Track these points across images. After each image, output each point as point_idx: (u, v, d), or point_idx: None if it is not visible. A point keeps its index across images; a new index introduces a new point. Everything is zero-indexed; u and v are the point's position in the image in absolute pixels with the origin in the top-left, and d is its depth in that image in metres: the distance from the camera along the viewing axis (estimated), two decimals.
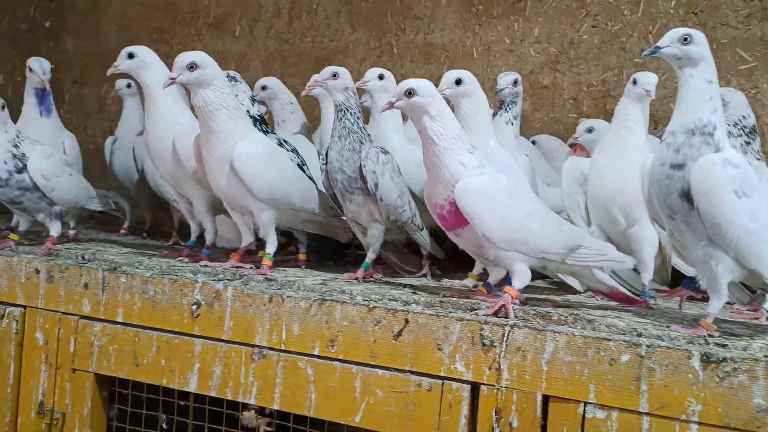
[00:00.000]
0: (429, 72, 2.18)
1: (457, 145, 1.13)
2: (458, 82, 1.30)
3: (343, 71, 1.36)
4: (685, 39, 0.99)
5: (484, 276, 1.38)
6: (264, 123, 1.53)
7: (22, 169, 1.46)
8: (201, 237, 1.56)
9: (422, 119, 1.13)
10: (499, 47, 2.11)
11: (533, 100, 2.07)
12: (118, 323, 1.30)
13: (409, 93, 1.12)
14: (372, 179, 1.31)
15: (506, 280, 1.19)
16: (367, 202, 1.35)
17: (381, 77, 1.49)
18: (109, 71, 1.43)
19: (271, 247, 1.38)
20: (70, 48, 2.77)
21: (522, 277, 1.13)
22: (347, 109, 1.33)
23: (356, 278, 1.34)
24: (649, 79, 1.30)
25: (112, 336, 1.30)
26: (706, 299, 1.07)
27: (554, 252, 1.13)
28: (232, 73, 1.54)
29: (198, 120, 1.35)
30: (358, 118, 1.34)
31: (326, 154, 1.39)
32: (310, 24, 2.37)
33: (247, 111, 1.46)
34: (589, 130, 1.48)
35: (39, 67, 1.73)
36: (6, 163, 1.46)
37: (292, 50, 2.41)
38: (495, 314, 1.08)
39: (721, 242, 0.98)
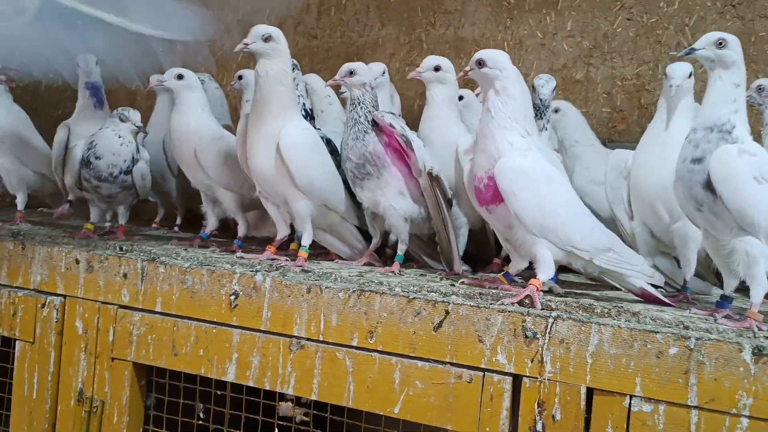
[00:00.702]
0: (459, 67, 2.15)
1: (511, 126, 1.14)
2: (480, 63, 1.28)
3: (360, 67, 1.38)
4: (720, 43, 1.03)
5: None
6: (311, 118, 1.54)
7: (129, 171, 1.57)
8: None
9: (488, 91, 1.16)
10: (531, 41, 2.09)
11: (566, 95, 2.04)
12: (157, 313, 1.31)
13: (480, 63, 1.16)
14: (396, 123, 1.34)
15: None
16: (381, 180, 1.35)
17: (437, 68, 1.51)
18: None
19: (306, 239, 1.38)
20: None
21: (547, 269, 1.12)
22: (360, 103, 1.37)
23: (392, 271, 1.34)
24: (674, 73, 1.27)
25: (151, 325, 1.31)
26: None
27: (583, 248, 1.13)
28: (293, 61, 1.55)
29: (254, 95, 1.37)
30: (368, 111, 1.37)
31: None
32: (339, 19, 2.37)
33: (303, 103, 1.50)
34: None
35: (84, 64, 1.81)
36: (125, 162, 1.55)
37: (321, 46, 2.41)
38: (520, 304, 1.07)
39: (749, 228, 1.00)
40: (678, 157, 1.07)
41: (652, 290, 1.18)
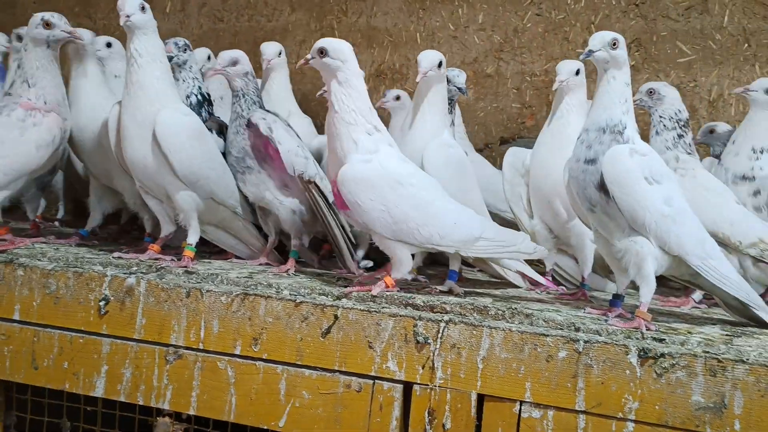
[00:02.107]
0: (371, 57, 2.10)
1: (356, 120, 1.10)
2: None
3: (242, 56, 1.32)
4: (614, 43, 1.03)
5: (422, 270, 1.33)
6: (209, 103, 1.42)
7: None
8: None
9: (331, 83, 1.11)
10: (443, 33, 2.05)
11: (477, 89, 2.02)
12: (15, 321, 1.16)
13: (321, 52, 1.09)
14: (264, 125, 1.27)
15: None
16: (263, 174, 1.29)
17: (398, 98, 1.60)
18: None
19: (192, 236, 1.27)
20: None
21: (401, 266, 1.11)
22: (244, 95, 1.31)
23: (287, 270, 1.25)
24: (560, 68, 1.28)
25: (8, 336, 1.16)
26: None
27: (445, 244, 1.11)
28: (183, 41, 1.41)
29: (126, 76, 1.23)
30: (252, 102, 1.32)
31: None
32: (246, 2, 2.25)
33: (198, 86, 1.39)
34: None
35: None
36: None
37: (227, 30, 2.27)
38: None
39: (640, 228, 1.00)
40: (570, 158, 1.06)
41: (530, 271, 1.18)
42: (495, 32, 2.00)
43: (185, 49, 1.39)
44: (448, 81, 1.38)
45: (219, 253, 1.42)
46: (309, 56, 1.11)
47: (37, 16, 1.29)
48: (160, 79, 1.22)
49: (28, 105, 1.28)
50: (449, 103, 1.39)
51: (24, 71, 1.30)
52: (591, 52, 1.03)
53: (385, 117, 1.56)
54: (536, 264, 1.42)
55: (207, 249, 1.40)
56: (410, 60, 2.08)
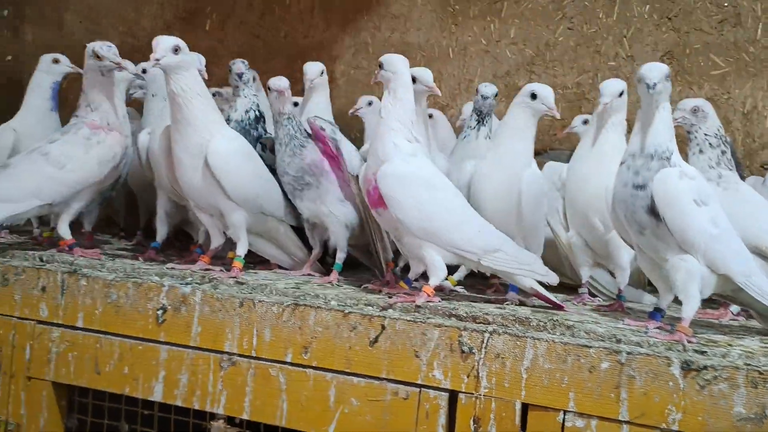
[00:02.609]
0: None
1: (399, 128, 1.18)
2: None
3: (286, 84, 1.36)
4: (668, 76, 1.06)
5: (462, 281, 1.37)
6: (263, 119, 1.50)
7: None
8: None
9: (384, 93, 1.21)
10: (475, 48, 2.09)
11: (508, 102, 2.04)
12: (78, 329, 1.23)
13: (380, 65, 1.22)
14: (329, 129, 1.34)
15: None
16: (320, 189, 1.34)
17: (370, 104, 1.65)
18: None
19: (241, 248, 1.33)
20: (29, 38, 2.65)
21: (437, 271, 1.16)
22: (291, 118, 1.37)
23: (330, 282, 1.30)
24: (604, 89, 1.26)
25: (72, 342, 1.23)
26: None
27: (468, 250, 1.16)
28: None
29: (171, 112, 1.29)
30: (299, 123, 1.38)
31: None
32: (282, 19, 2.32)
33: (257, 105, 1.47)
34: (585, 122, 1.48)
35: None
36: None
37: (263, 46, 2.35)
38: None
39: (690, 248, 1.03)
40: (616, 182, 1.09)
41: (543, 290, 1.21)
42: (527, 46, 2.04)
43: (248, 67, 1.48)
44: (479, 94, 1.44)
45: (262, 263, 1.48)
46: (376, 71, 1.23)
47: (89, 47, 1.37)
48: (203, 111, 1.28)
49: (93, 125, 1.37)
50: (479, 115, 1.44)
51: (86, 96, 1.40)
52: (655, 85, 1.03)
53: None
54: (570, 279, 1.45)
55: (251, 259, 1.46)
56: (442, 74, 2.12)
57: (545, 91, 1.26)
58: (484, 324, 1.06)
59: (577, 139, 1.49)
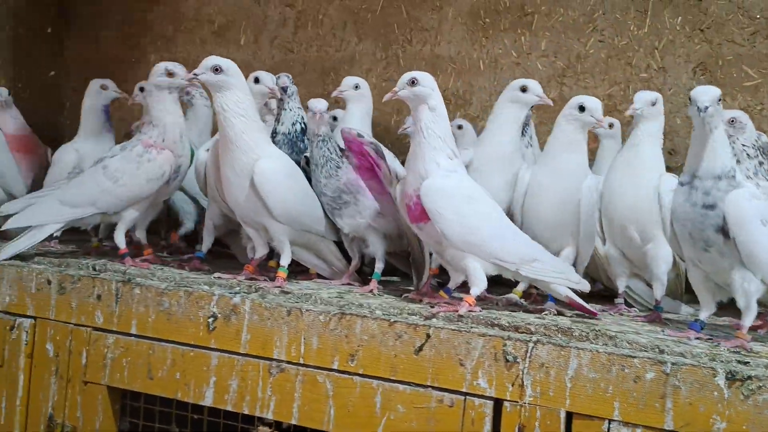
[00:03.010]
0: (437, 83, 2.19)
1: (441, 146, 1.21)
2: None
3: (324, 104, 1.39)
4: (719, 99, 1.10)
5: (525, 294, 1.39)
6: (304, 132, 1.53)
7: None
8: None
9: (421, 110, 1.21)
10: (506, 60, 2.12)
11: (539, 114, 2.08)
12: (132, 335, 1.28)
13: (412, 82, 1.21)
14: (367, 139, 1.37)
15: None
16: (359, 205, 1.38)
17: (357, 87, 1.62)
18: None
19: (285, 259, 1.37)
20: (71, 54, 2.75)
21: (479, 282, 1.19)
22: (329, 139, 1.39)
23: (371, 291, 1.34)
24: (636, 97, 1.31)
25: (126, 348, 1.28)
26: None
27: (509, 260, 1.20)
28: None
29: (219, 129, 1.35)
30: (336, 143, 1.41)
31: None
32: (315, 34, 2.37)
33: (302, 117, 1.51)
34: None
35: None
36: None
37: (297, 60, 2.40)
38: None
39: (752, 266, 1.08)
40: (679, 201, 1.12)
41: (577, 298, 1.24)
42: (558, 58, 2.06)
43: (293, 81, 1.53)
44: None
45: (302, 272, 1.52)
46: (397, 89, 1.22)
47: (161, 66, 1.46)
48: (246, 131, 1.32)
49: (147, 143, 1.44)
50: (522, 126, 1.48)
51: (149, 114, 1.47)
52: (706, 108, 1.06)
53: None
54: (606, 287, 1.47)
55: (291, 268, 1.50)
56: (473, 86, 2.16)
57: (593, 104, 1.30)
58: (526, 334, 1.08)
59: (596, 146, 1.52)
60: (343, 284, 1.43)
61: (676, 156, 1.93)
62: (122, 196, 1.42)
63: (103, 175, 1.42)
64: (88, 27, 2.71)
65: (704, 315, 1.14)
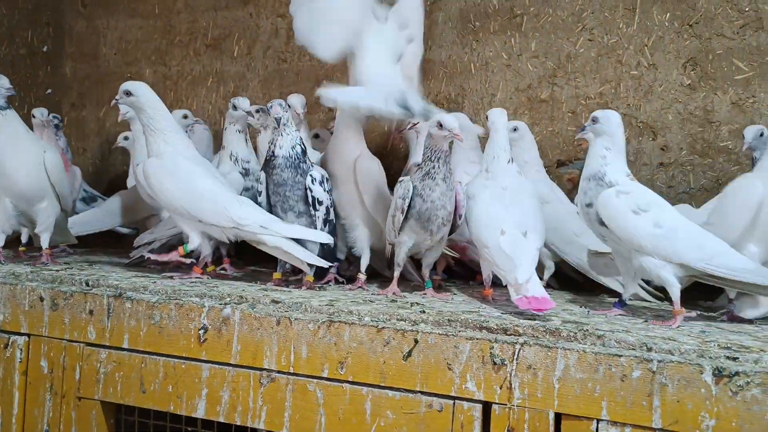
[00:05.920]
0: (428, 88, 2.19)
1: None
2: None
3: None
4: (594, 120, 1.32)
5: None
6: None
7: None
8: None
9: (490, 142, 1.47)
10: (496, 62, 2.12)
11: (531, 114, 2.08)
12: (125, 349, 1.29)
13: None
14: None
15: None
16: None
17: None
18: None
19: (191, 245, 1.47)
20: (68, 72, 2.78)
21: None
22: (447, 156, 1.40)
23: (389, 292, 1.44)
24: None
25: (118, 362, 1.29)
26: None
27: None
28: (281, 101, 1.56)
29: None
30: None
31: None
32: None
33: (300, 138, 1.54)
34: None
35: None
36: None
37: (290, 69, 2.42)
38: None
39: (640, 250, 1.23)
40: (576, 201, 1.35)
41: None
42: (548, 59, 2.06)
43: (286, 109, 1.51)
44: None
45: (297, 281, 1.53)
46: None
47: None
48: (157, 142, 1.49)
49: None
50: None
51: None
52: (585, 127, 1.33)
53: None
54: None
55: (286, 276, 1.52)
56: (464, 90, 2.16)
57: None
58: (514, 336, 1.08)
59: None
60: (393, 294, 1.42)
61: (668, 152, 1.92)
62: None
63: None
64: (84, 44, 2.75)
65: (626, 295, 1.31)
